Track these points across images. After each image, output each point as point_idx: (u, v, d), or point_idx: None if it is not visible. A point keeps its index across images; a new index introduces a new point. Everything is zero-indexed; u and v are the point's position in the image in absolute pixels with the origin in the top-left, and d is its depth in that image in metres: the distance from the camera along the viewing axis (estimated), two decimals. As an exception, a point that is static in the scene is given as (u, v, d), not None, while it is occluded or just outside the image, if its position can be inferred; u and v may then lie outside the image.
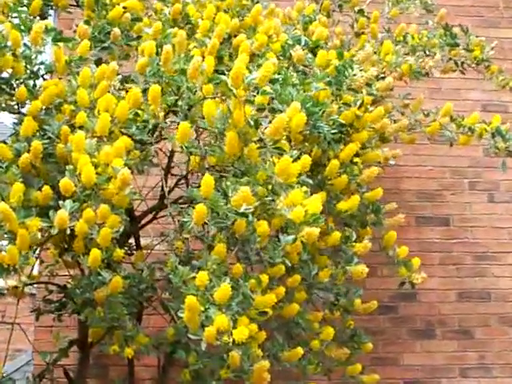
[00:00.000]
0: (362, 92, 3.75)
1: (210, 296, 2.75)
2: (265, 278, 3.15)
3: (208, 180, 2.79)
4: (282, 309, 3.61)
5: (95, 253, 3.02)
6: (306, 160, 2.99)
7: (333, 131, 3.50)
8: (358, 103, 3.69)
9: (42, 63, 3.50)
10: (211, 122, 2.91)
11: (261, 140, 2.87)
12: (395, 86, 4.35)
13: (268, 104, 3.01)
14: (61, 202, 2.84)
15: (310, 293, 3.84)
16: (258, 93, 2.85)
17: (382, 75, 4.16)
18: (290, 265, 3.26)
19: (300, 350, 3.55)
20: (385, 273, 5.31)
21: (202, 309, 2.72)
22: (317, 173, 3.53)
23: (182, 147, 2.97)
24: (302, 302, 3.77)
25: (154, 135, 3.49)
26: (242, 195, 2.72)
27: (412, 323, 5.36)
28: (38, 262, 4.02)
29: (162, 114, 3.10)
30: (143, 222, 4.23)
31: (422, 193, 5.85)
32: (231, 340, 2.68)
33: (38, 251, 3.30)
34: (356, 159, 3.73)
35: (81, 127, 3.09)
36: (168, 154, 3.78)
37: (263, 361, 3.04)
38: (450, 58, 4.89)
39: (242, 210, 2.76)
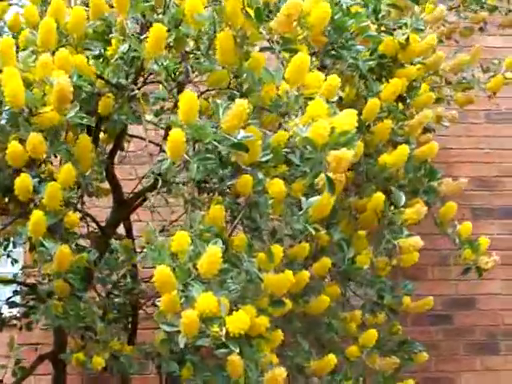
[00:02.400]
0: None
1: (193, 268, 1.84)
2: (277, 249, 2.23)
3: (188, 97, 1.89)
4: (307, 303, 2.68)
5: (37, 217, 2.13)
6: (334, 80, 2.07)
7: (370, 63, 2.60)
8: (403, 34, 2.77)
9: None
10: (196, 23, 2.01)
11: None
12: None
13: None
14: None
15: (345, 285, 2.91)
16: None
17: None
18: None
19: (332, 359, 2.61)
20: (437, 275, 4.59)
21: (181, 286, 1.80)
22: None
23: (156, 63, 2.07)
24: (334, 298, 2.84)
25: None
26: (238, 111, 1.81)
27: (470, 335, 4.58)
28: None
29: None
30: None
31: (479, 180, 4.85)
32: (224, 332, 1.76)
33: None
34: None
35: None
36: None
37: (278, 368, 2.11)
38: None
39: (238, 138, 1.85)
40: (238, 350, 1.82)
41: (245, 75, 2.08)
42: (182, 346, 1.78)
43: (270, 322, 2.49)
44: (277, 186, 2.43)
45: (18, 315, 3.41)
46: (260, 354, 2.19)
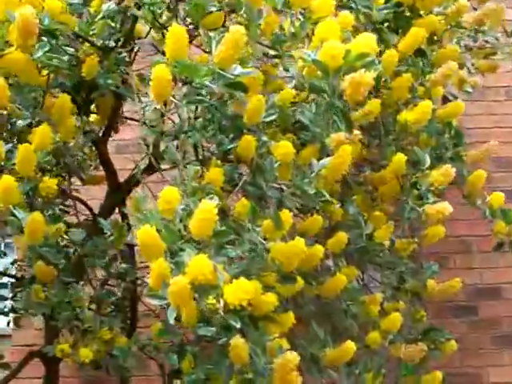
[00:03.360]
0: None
1: (183, 229, 1.53)
2: (286, 215, 1.91)
3: (176, 32, 1.59)
4: (321, 284, 2.37)
5: (7, 182, 1.84)
6: (347, 17, 1.76)
7: (385, 11, 2.30)
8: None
9: None
10: None
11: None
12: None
13: None
14: None
15: (363, 265, 2.60)
16: None
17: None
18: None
19: (351, 347, 2.29)
20: (459, 263, 4.26)
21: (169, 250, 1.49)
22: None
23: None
24: (351, 279, 2.54)
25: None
26: (233, 39, 1.50)
27: (497, 327, 4.24)
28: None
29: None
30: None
31: (501, 161, 4.50)
32: (222, 304, 1.45)
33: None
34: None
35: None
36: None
37: (289, 353, 1.79)
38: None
39: (234, 74, 1.54)
40: (238, 325, 1.51)
41: (243, 9, 1.77)
42: (171, 321, 1.47)
43: (280, 303, 2.20)
44: (283, 148, 2.14)
45: (6, 310, 3.10)
46: (267, 337, 1.88)
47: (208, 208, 1.50)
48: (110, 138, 3.08)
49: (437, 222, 2.32)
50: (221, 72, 1.56)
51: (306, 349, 2.42)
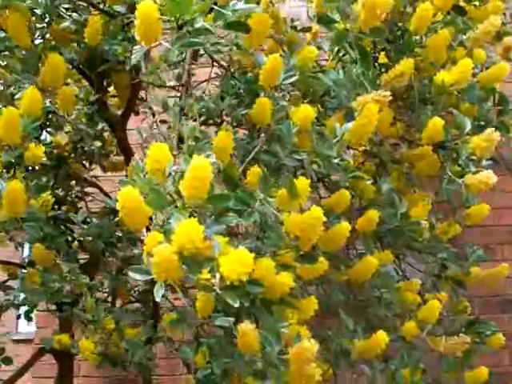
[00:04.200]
0: None
1: (176, 192, 1.29)
2: (303, 182, 1.66)
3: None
4: (349, 268, 2.12)
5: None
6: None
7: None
8: None
9: None
10: None
11: None
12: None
13: None
14: None
15: (398, 249, 2.33)
16: None
17: None
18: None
19: (383, 338, 2.03)
20: (507, 255, 3.91)
21: (159, 217, 1.25)
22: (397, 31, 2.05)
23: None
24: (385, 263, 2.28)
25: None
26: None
27: None
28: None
29: None
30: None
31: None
32: (217, 279, 1.21)
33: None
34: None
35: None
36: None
37: (307, 341, 1.54)
38: None
39: (235, 8, 1.30)
40: (237, 304, 1.26)
41: None
42: (157, 298, 1.23)
43: (301, 287, 1.95)
44: (303, 112, 1.89)
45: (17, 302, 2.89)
46: (282, 324, 1.63)
47: (202, 164, 1.25)
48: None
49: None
50: (217, 8, 1.32)
51: (333, 340, 2.17)
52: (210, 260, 1.24)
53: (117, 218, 2.21)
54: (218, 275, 1.24)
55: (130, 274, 1.27)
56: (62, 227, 2.24)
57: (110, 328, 2.10)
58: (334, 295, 2.24)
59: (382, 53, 2.28)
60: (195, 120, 1.79)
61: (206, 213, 1.35)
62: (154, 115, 1.98)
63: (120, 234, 2.29)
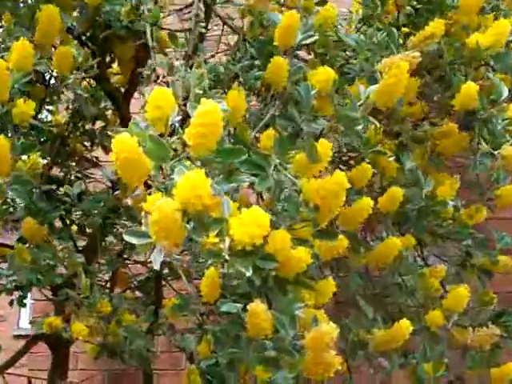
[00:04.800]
0: None
1: (182, 147, 1.10)
2: (325, 145, 1.47)
3: None
4: (369, 250, 1.93)
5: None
6: None
7: None
8: None
9: None
10: None
11: None
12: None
13: None
14: None
15: (421, 233, 2.14)
16: None
17: None
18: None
19: (406, 327, 1.83)
20: None
21: (158, 170, 1.06)
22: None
23: None
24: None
25: None
26: None
27: None
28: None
29: None
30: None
31: None
32: (227, 244, 1.02)
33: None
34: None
35: None
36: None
37: (326, 325, 1.35)
38: None
39: None
40: (249, 273, 1.07)
41: None
42: (156, 266, 1.04)
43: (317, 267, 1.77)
44: (323, 74, 1.70)
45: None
46: (298, 305, 1.44)
47: (211, 109, 1.06)
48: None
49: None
50: None
51: (350, 330, 1.98)
52: (218, 221, 1.05)
53: (116, 192, 2.03)
54: (227, 239, 1.05)
55: (125, 237, 1.08)
56: (58, 204, 2.05)
57: (106, 311, 1.90)
58: (352, 281, 2.05)
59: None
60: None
61: (215, 170, 1.15)
62: (158, 78, 1.79)
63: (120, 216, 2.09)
